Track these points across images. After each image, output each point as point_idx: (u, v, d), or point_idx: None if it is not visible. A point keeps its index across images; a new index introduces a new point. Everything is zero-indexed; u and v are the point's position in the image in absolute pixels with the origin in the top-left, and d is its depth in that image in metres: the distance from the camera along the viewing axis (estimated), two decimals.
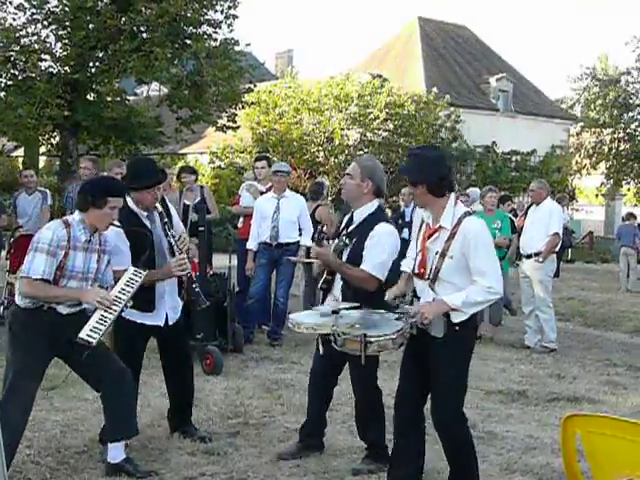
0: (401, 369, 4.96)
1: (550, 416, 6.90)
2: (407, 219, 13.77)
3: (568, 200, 19.79)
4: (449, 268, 4.58)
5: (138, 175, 5.69)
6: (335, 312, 4.82)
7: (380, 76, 31.34)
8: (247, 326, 9.46)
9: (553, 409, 7.17)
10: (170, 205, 6.03)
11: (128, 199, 5.56)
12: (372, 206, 5.42)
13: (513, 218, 11.84)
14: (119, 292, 5.06)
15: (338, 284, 5.43)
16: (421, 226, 4.84)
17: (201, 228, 8.63)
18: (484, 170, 31.98)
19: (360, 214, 5.43)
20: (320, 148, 29.08)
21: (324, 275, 5.57)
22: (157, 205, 5.62)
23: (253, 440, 6.01)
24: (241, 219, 10.67)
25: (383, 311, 4.92)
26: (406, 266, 4.98)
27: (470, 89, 35.99)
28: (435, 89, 31.05)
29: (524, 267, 10.18)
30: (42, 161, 34.41)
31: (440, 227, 4.65)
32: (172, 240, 5.60)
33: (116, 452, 5.24)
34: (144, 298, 5.52)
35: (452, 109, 31.60)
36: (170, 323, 5.77)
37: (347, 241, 5.41)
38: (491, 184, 16.50)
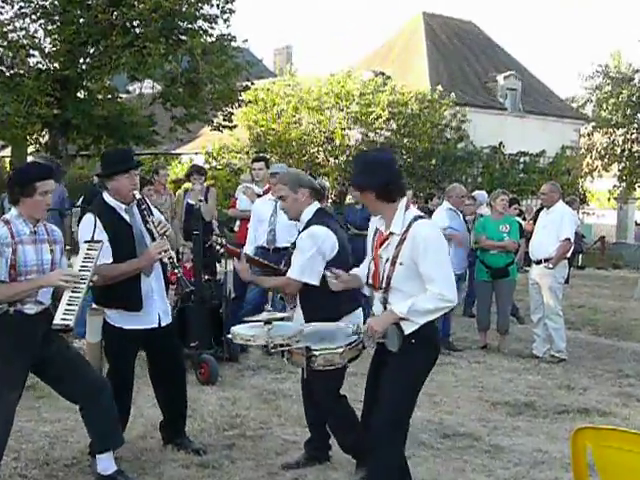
0: (366, 381, 4.97)
1: (559, 429, 6.91)
2: None
3: (579, 203, 19.76)
4: (400, 275, 4.55)
5: (112, 161, 5.73)
6: (267, 323, 4.79)
7: (383, 74, 31.37)
8: None
9: (562, 421, 7.18)
10: (148, 201, 6.02)
11: (104, 194, 5.67)
12: (310, 211, 5.53)
13: (522, 222, 11.85)
14: (80, 269, 5.05)
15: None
16: (375, 234, 4.83)
17: (195, 232, 8.64)
18: (491, 172, 31.95)
19: (302, 223, 5.55)
20: (320, 148, 29.08)
21: None
22: (135, 193, 5.60)
23: (250, 452, 6.02)
24: (237, 223, 10.68)
25: (342, 324, 4.96)
26: (358, 272, 5.01)
27: (477, 87, 36.00)
28: (440, 87, 31.03)
29: (533, 273, 10.19)
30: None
31: (390, 233, 4.63)
32: (151, 226, 5.59)
33: (106, 463, 5.26)
34: (130, 296, 5.58)
35: (458, 108, 31.59)
36: (162, 324, 5.76)
37: (292, 250, 5.53)
38: (498, 186, 16.55)
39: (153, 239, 5.62)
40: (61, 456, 5.83)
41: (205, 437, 6.34)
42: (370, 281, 4.74)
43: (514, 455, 6.19)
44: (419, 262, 4.47)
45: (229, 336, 4.90)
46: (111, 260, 5.50)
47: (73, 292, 4.91)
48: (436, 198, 16.86)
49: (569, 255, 10.30)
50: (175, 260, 5.66)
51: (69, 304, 4.87)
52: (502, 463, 6.02)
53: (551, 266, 9.82)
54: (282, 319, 5.05)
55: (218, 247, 6.18)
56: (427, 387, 8.10)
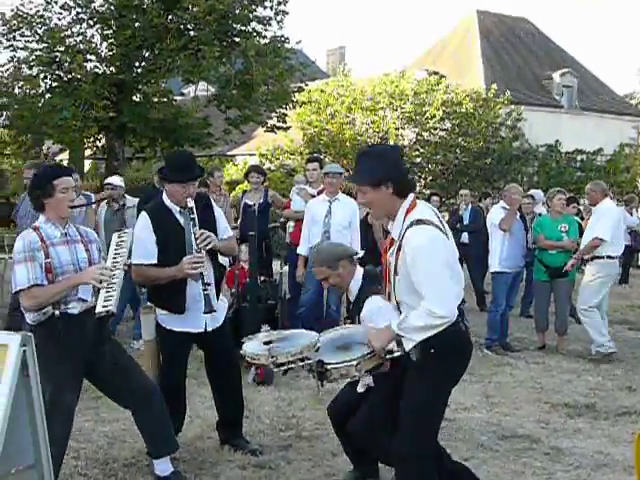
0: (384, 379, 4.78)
1: (621, 431, 6.78)
2: (466, 222, 13.76)
3: (638, 202, 19.38)
4: (399, 287, 4.28)
5: (172, 168, 5.76)
6: (267, 343, 4.63)
7: (436, 73, 31.24)
8: None
9: (624, 424, 7.03)
10: (215, 205, 6.05)
11: (164, 194, 5.73)
12: (358, 279, 5.28)
13: (580, 221, 11.68)
14: (114, 258, 5.10)
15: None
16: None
17: (251, 233, 8.67)
18: (547, 171, 31.61)
19: (351, 294, 5.29)
20: None
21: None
22: (188, 201, 5.59)
23: (306, 453, 6.02)
24: (292, 224, 10.70)
25: (359, 330, 4.72)
26: None
27: (532, 85, 35.65)
28: (495, 86, 30.80)
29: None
30: (87, 164, 34.96)
31: (392, 239, 4.37)
32: (192, 237, 5.57)
33: (163, 465, 5.31)
34: (174, 299, 5.64)
35: (513, 107, 31.34)
36: (209, 329, 5.78)
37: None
38: (555, 185, 16.35)
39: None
40: (120, 455, 5.89)
41: (261, 438, 6.35)
42: (384, 287, 4.52)
43: (575, 458, 6.08)
44: (411, 273, 4.14)
45: (241, 352, 4.73)
46: (153, 261, 5.56)
47: (111, 278, 4.93)
48: (490, 197, 16.74)
49: (616, 254, 10.01)
50: (206, 277, 5.57)
51: (107, 291, 4.91)
52: (562, 466, 5.92)
53: (572, 263, 9.89)
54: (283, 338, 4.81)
55: None
56: (485, 388, 8.08)
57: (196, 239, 5.55)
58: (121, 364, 5.23)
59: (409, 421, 4.30)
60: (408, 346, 4.19)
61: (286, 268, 10.51)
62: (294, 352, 4.42)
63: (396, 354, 4.30)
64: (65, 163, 33.17)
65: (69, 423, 5.06)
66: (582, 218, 13.22)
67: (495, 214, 10.30)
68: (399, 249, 4.21)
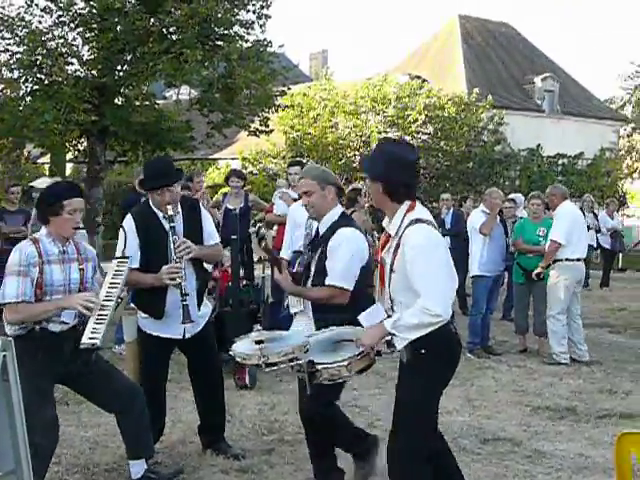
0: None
1: (602, 434, 6.82)
2: (448, 226, 13.78)
3: (618, 205, 19.56)
4: (395, 284, 4.30)
5: (147, 176, 5.81)
6: (259, 342, 4.57)
7: (419, 77, 31.34)
8: None
9: (605, 426, 7.08)
10: (203, 209, 6.05)
11: (149, 199, 5.73)
12: (336, 213, 5.33)
13: None
14: (109, 287, 5.07)
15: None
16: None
17: (234, 237, 8.67)
18: (529, 175, 31.77)
19: (325, 223, 5.33)
20: (357, 152, 29.10)
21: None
22: (168, 209, 5.58)
23: (289, 457, 6.01)
24: (275, 228, 10.70)
25: (350, 329, 4.72)
26: None
27: (514, 89, 35.82)
28: (477, 90, 30.94)
29: None
30: (69, 168, 34.80)
31: (389, 235, 4.41)
32: (171, 246, 5.55)
33: (137, 468, 5.31)
34: (154, 304, 5.65)
35: (495, 111, 31.49)
36: (187, 336, 5.76)
37: (310, 253, 5.33)
38: (536, 189, 16.41)
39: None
40: (101, 460, 5.87)
41: (244, 442, 6.35)
42: (378, 285, 4.53)
43: (556, 460, 6.12)
44: (408, 271, 4.19)
45: (230, 352, 4.71)
46: (135, 266, 5.53)
47: (101, 310, 4.92)
48: (470, 200, 16.80)
49: (575, 256, 9.94)
50: (185, 287, 5.53)
51: (96, 322, 4.89)
52: (543, 468, 5.95)
53: (539, 270, 9.94)
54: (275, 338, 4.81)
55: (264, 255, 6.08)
56: (467, 392, 8.11)
57: (175, 248, 5.54)
58: (101, 372, 5.22)
59: (402, 420, 4.36)
60: (400, 345, 4.22)
61: (268, 272, 10.50)
62: (285, 352, 4.40)
63: (384, 354, 4.38)
64: (46, 167, 33.12)
65: (53, 436, 5.03)
66: None
67: (475, 218, 10.36)
68: (397, 247, 4.26)
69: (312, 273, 5.29)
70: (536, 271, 10.03)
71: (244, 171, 31.93)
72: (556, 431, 6.92)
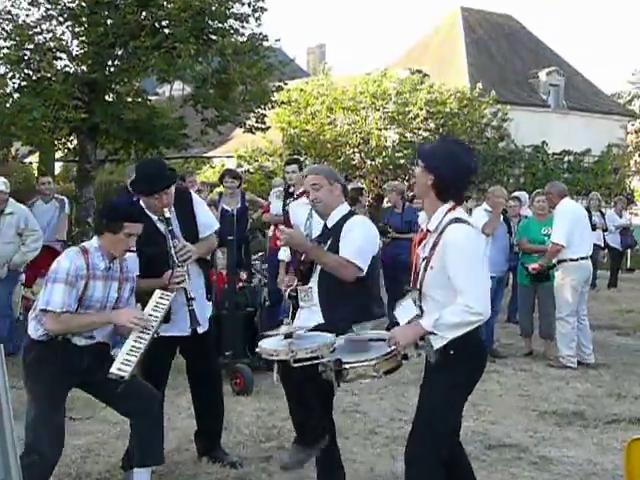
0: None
1: (611, 439, 6.83)
2: None
3: (625, 203, 19.55)
4: (430, 280, 4.36)
5: (139, 180, 5.79)
6: (288, 336, 4.65)
7: (420, 72, 31.28)
8: None
9: (614, 432, 7.08)
10: (195, 199, 6.05)
11: (141, 201, 5.72)
12: (344, 209, 5.47)
13: None
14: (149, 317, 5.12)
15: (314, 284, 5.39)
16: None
17: (230, 238, 8.67)
18: (534, 172, 31.77)
19: (332, 219, 5.45)
20: (356, 150, 29.08)
21: (293, 282, 5.66)
22: (165, 211, 5.60)
23: None
24: (271, 228, 10.70)
25: (374, 333, 4.86)
26: None
27: (518, 84, 35.80)
28: (480, 85, 30.91)
29: None
30: (58, 167, 34.77)
31: (428, 231, 4.48)
32: (172, 251, 5.58)
33: (142, 477, 5.28)
34: None
35: (498, 106, 31.46)
36: (200, 332, 5.76)
37: (322, 244, 5.41)
38: (541, 187, 16.39)
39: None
40: (93, 470, 5.87)
41: (241, 449, 6.35)
42: (411, 282, 4.58)
43: (564, 467, 6.13)
44: (449, 270, 4.26)
45: (257, 350, 4.78)
46: (136, 273, 5.52)
47: (135, 342, 4.95)
48: (472, 199, 16.81)
49: (578, 256, 9.90)
50: (190, 292, 5.59)
51: (129, 353, 4.92)
52: (550, 475, 5.96)
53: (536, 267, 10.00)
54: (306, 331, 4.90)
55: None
56: (471, 396, 8.03)
57: (176, 253, 5.57)
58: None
59: (422, 422, 4.42)
60: (438, 344, 4.29)
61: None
62: (313, 349, 4.47)
63: (410, 356, 4.45)
64: (35, 166, 33.06)
65: (59, 443, 5.03)
66: None
67: (477, 217, 10.31)
68: (436, 244, 4.34)
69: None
70: (532, 265, 10.03)
71: (240, 170, 32.04)
72: (563, 437, 6.92)
